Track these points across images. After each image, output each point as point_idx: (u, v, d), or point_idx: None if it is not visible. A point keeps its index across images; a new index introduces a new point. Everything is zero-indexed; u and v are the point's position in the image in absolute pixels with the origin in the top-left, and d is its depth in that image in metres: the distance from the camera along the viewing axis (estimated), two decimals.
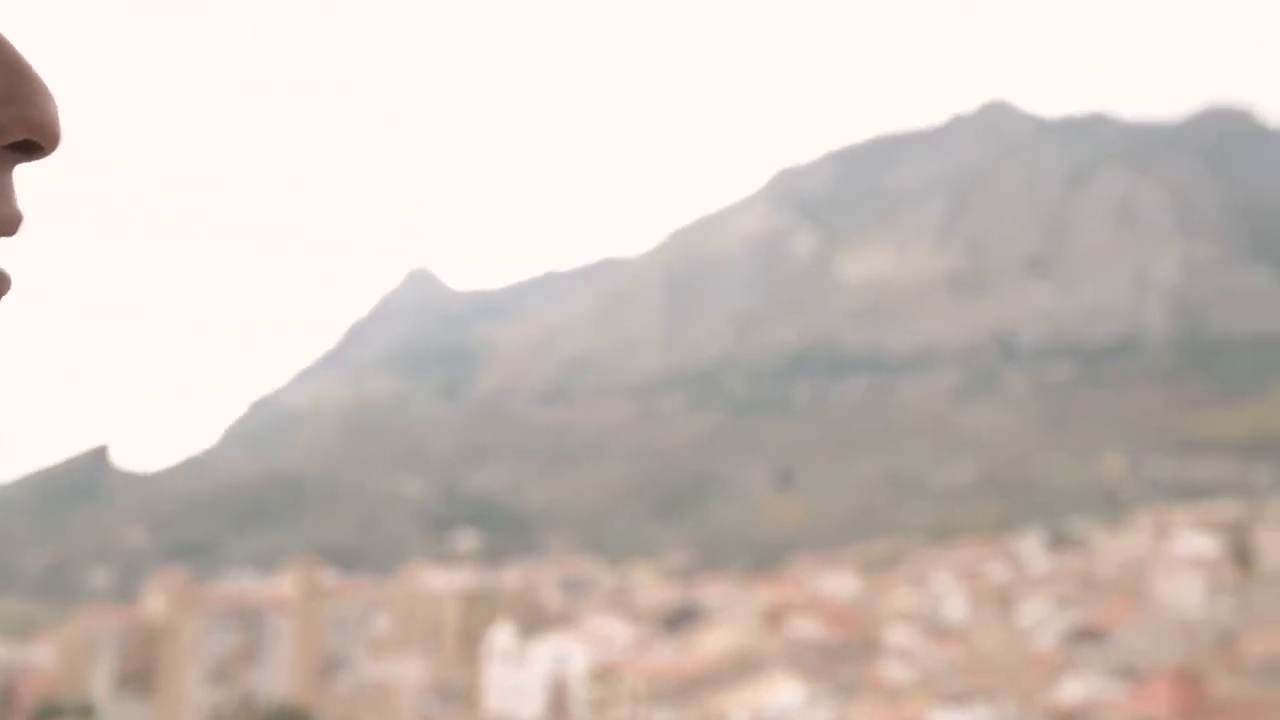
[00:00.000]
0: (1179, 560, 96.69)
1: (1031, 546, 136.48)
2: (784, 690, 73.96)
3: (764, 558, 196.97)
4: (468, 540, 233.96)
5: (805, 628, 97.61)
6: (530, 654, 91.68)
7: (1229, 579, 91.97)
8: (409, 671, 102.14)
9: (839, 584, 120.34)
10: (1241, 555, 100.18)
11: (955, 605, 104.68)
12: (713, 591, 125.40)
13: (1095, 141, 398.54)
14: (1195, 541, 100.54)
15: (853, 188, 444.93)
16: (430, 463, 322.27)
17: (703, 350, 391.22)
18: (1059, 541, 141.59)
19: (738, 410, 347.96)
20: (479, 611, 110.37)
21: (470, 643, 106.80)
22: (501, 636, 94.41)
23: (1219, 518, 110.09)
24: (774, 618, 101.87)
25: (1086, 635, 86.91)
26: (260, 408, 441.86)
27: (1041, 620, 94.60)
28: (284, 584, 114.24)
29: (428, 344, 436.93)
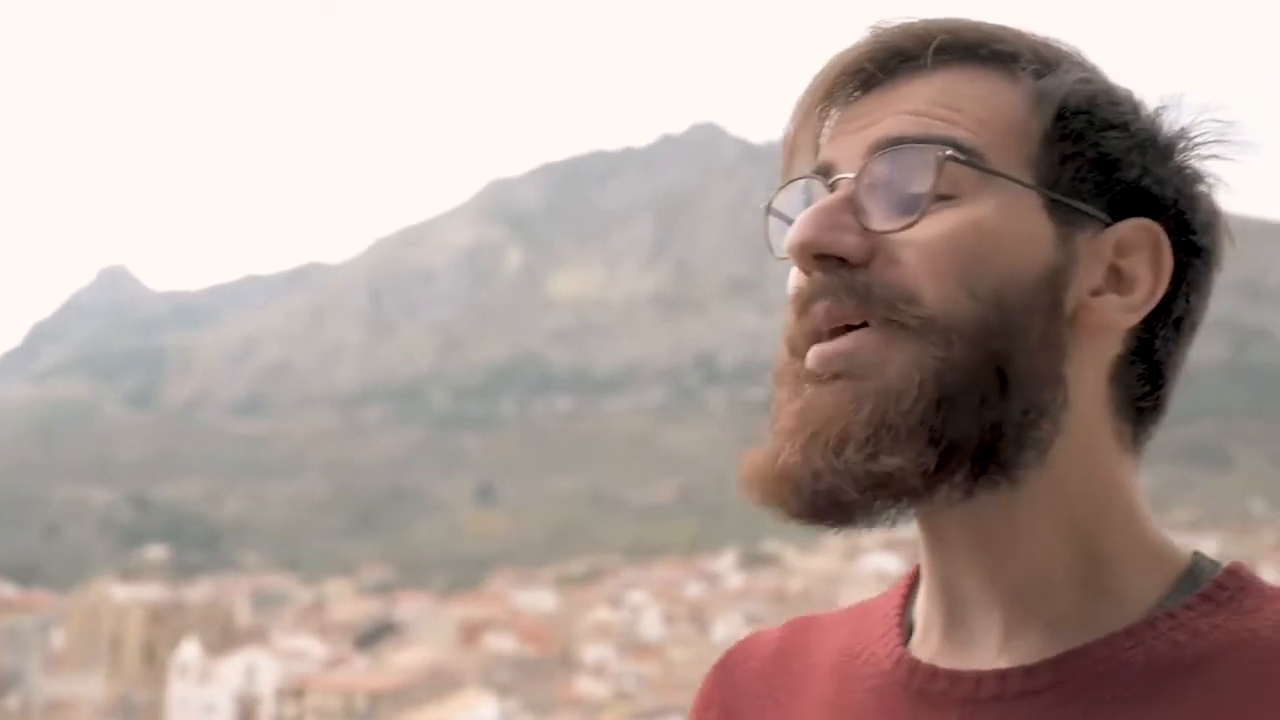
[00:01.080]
0: (865, 578, 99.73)
1: (727, 564, 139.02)
2: (480, 707, 73.22)
3: (464, 574, 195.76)
4: (156, 553, 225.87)
5: (503, 644, 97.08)
6: (218, 671, 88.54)
7: None
8: (89, 689, 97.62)
9: (538, 600, 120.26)
10: None
11: (652, 622, 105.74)
12: (410, 607, 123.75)
13: None
14: (881, 560, 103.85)
15: (563, 203, 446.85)
16: (119, 472, 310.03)
17: (407, 363, 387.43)
18: (753, 560, 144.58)
19: (441, 424, 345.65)
20: (165, 627, 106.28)
21: (155, 659, 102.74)
22: (188, 653, 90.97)
23: (904, 537, 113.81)
24: (471, 634, 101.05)
25: None
26: None
27: (735, 637, 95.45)
28: None
29: (119, 346, 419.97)
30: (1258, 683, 0.87)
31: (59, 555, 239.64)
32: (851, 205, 0.92)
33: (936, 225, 0.90)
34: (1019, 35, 0.97)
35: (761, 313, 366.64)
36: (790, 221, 0.96)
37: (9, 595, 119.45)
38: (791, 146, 1.01)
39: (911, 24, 0.97)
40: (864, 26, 0.98)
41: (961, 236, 0.89)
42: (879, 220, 0.91)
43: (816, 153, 0.98)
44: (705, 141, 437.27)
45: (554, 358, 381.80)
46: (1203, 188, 0.97)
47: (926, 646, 1.00)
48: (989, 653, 0.95)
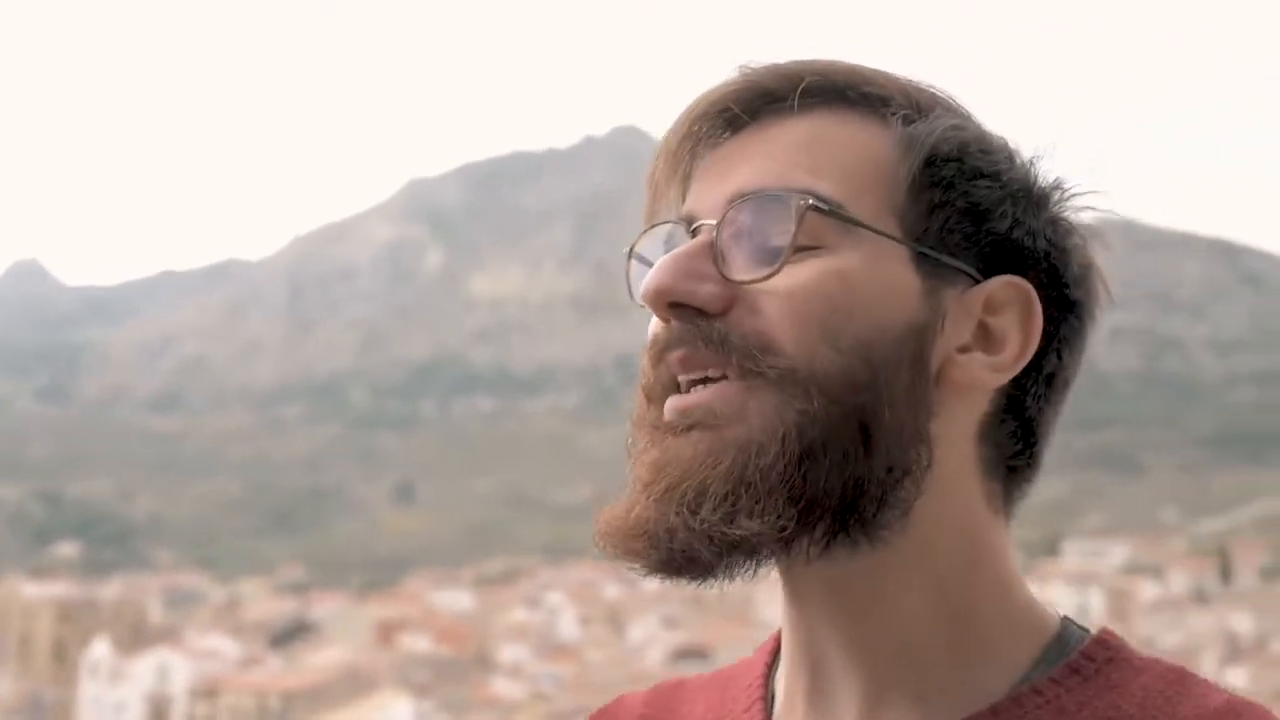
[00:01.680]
0: (778, 580, 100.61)
1: None
2: (395, 707, 73.20)
3: (381, 573, 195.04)
4: (67, 550, 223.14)
5: (419, 644, 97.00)
6: (130, 670, 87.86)
7: None
8: None
9: (455, 600, 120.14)
10: None
11: (569, 623, 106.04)
12: (325, 607, 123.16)
13: None
14: None
15: (484, 203, 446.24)
16: (29, 468, 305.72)
17: (326, 360, 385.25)
18: None
19: (360, 423, 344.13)
20: (76, 625, 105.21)
21: (66, 658, 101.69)
22: (99, 652, 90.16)
23: None
24: (387, 634, 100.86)
25: (693, 653, 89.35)
26: None
27: (651, 638, 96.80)
28: None
29: (31, 341, 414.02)
30: None
31: None
32: (712, 253, 0.89)
33: (798, 275, 0.87)
34: (891, 78, 0.94)
35: None
36: (651, 266, 0.93)
37: None
38: (655, 188, 0.98)
39: (781, 64, 0.94)
40: (733, 66, 0.94)
41: (823, 287, 0.87)
42: (739, 270, 0.88)
43: (684, 195, 0.96)
44: (627, 144, 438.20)
45: (474, 357, 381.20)
46: (1077, 240, 0.96)
47: (792, 713, 0.96)
48: None
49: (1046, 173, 0.94)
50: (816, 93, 0.92)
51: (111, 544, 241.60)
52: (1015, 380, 0.93)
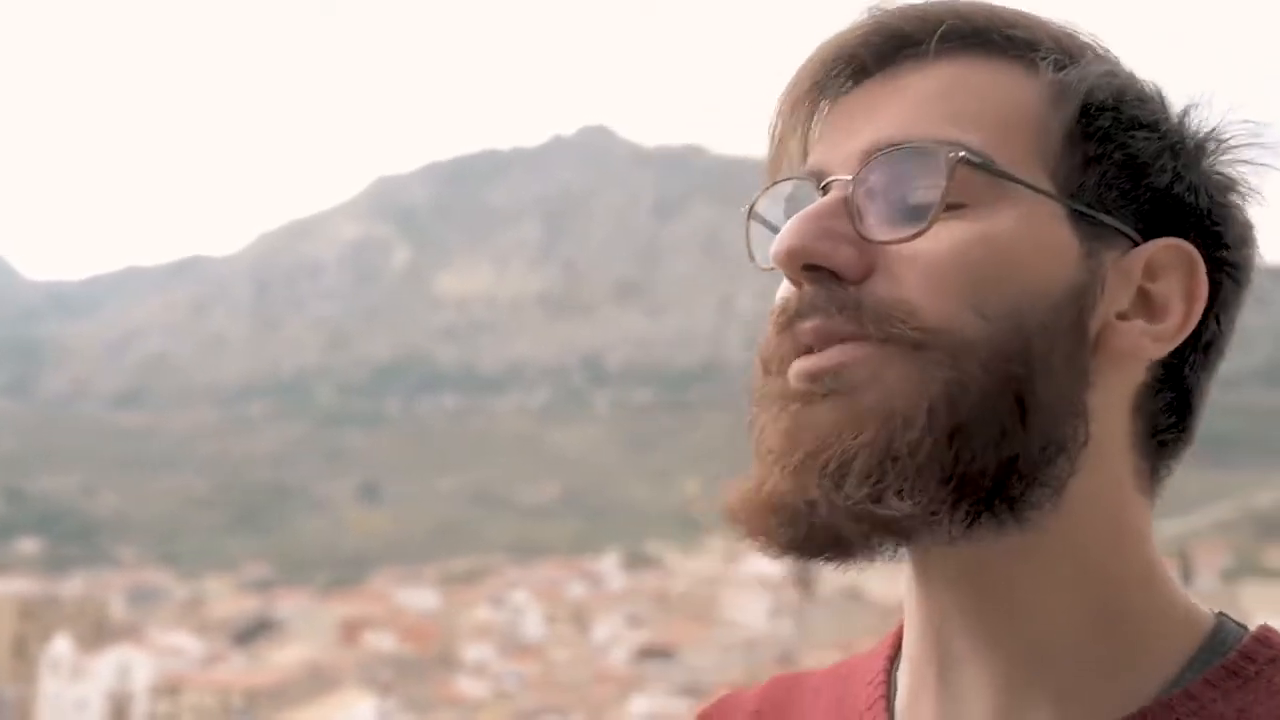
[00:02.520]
0: (746, 582, 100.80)
1: (609, 566, 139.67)
2: (358, 705, 73.12)
3: (346, 571, 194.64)
4: (29, 546, 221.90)
5: (383, 642, 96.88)
6: (91, 667, 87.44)
7: (791, 601, 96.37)
8: None
9: (419, 599, 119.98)
10: (803, 579, 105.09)
11: (533, 622, 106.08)
12: (289, 604, 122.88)
13: (688, 172, 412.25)
14: (762, 565, 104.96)
15: (452, 202, 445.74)
16: None
17: (291, 358, 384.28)
18: (636, 562, 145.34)
19: (325, 421, 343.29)
20: (37, 621, 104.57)
21: (26, 654, 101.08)
22: (60, 648, 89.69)
23: None
24: (351, 632, 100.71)
25: (657, 653, 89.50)
26: None
27: (615, 638, 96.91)
28: None
29: None
30: None
31: None
32: (848, 211, 0.81)
33: (943, 238, 0.79)
34: (1038, 21, 0.86)
35: (649, 315, 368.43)
36: (775, 229, 0.85)
37: None
38: (777, 144, 0.89)
39: (915, 6, 0.86)
40: (862, 7, 0.86)
41: (971, 252, 0.79)
42: (879, 230, 0.80)
43: (805, 151, 0.88)
44: (595, 144, 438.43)
45: (440, 356, 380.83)
46: (1235, 197, 0.87)
47: (919, 712, 0.88)
48: None
49: (1201, 123, 0.86)
50: (956, 37, 0.84)
51: (74, 540, 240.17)
52: (1174, 349, 0.86)
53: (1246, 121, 0.85)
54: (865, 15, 0.86)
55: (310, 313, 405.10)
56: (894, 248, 0.79)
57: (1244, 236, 0.87)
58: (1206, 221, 0.85)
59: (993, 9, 0.86)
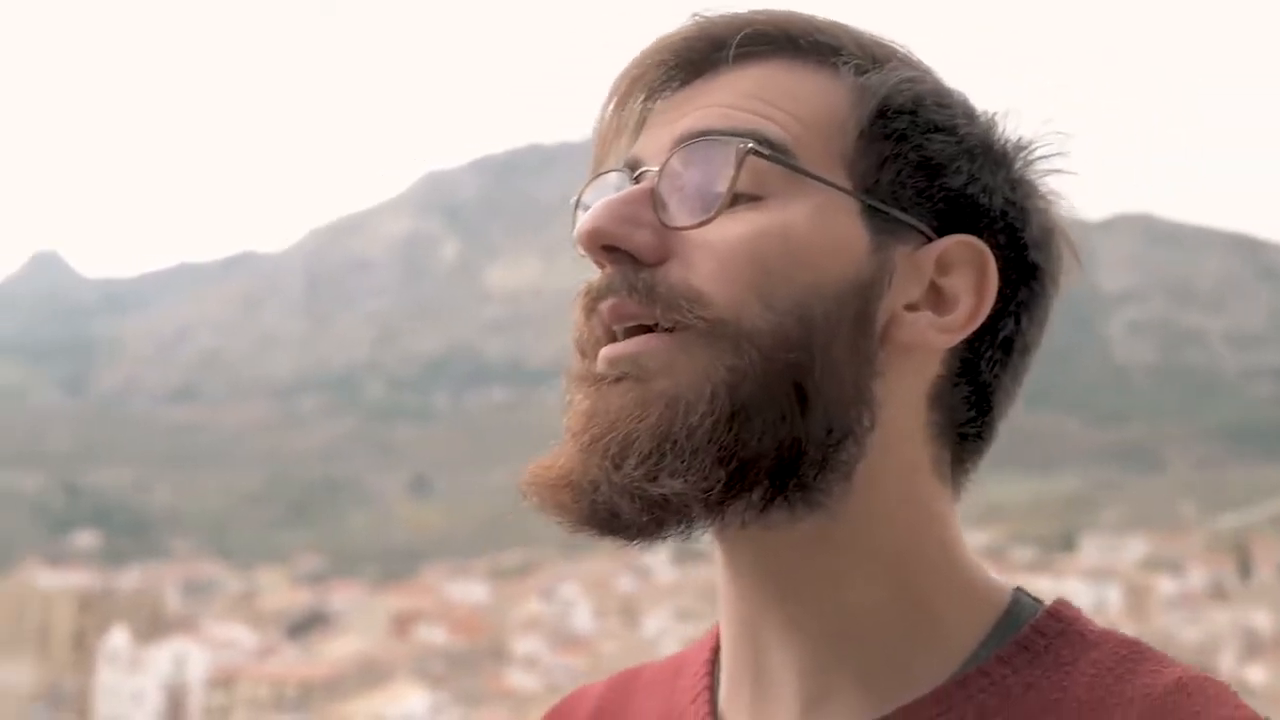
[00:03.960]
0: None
1: (658, 560, 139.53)
2: (410, 698, 73.40)
3: (397, 565, 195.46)
4: (86, 540, 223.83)
5: (434, 635, 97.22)
6: (147, 659, 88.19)
7: None
8: (15, 676, 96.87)
9: (470, 592, 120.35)
10: None
11: (583, 616, 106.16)
12: (342, 598, 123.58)
13: None
14: None
15: (500, 196, 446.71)
16: (48, 458, 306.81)
17: (342, 353, 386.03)
18: (685, 556, 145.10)
19: (376, 415, 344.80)
20: (94, 614, 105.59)
21: (84, 647, 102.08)
22: (117, 640, 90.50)
23: None
24: (403, 625, 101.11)
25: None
26: None
27: (665, 631, 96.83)
28: None
29: (50, 332, 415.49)
30: None
31: None
32: (652, 199, 0.87)
33: (735, 227, 0.84)
34: (846, 29, 0.92)
35: None
36: None
37: None
38: (603, 137, 0.98)
39: (735, 13, 0.92)
40: (689, 12, 0.93)
41: (761, 242, 0.84)
42: (678, 216, 0.86)
43: (632, 142, 0.95)
44: None
45: (489, 349, 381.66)
46: (1040, 202, 0.92)
47: (738, 701, 0.93)
48: (792, 713, 0.89)
49: (1009, 132, 0.92)
50: (766, 41, 0.90)
51: (129, 534, 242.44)
52: (970, 344, 0.90)
53: (1057, 133, 0.89)
54: (689, 20, 0.92)
55: (360, 308, 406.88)
56: (690, 235, 0.85)
57: (1045, 240, 0.91)
58: (1002, 223, 0.89)
59: (807, 18, 0.91)
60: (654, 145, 0.90)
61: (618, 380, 0.85)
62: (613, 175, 0.95)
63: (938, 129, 0.89)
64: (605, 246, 0.87)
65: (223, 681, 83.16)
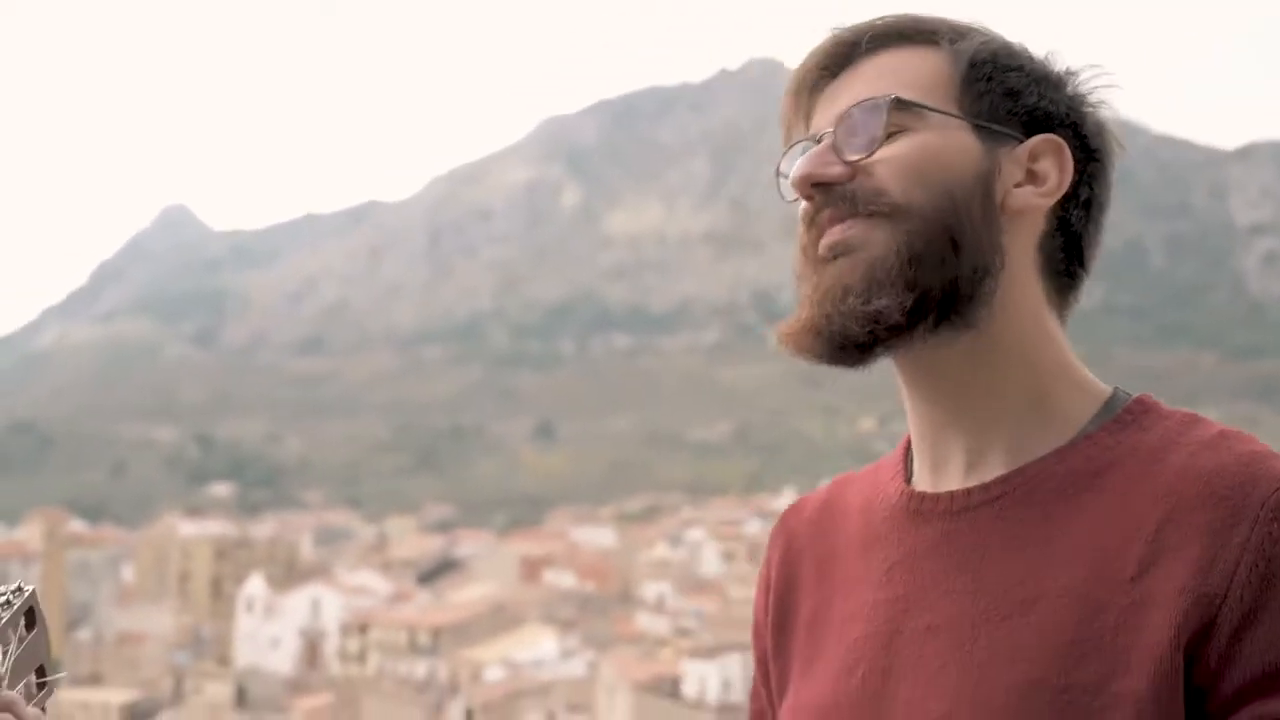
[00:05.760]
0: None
1: (785, 502, 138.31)
2: (540, 641, 74.04)
3: (524, 511, 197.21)
4: (221, 490, 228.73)
5: (562, 580, 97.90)
6: (283, 606, 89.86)
7: None
8: (158, 623, 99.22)
9: (596, 537, 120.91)
10: None
11: (710, 559, 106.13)
12: (471, 544, 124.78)
13: None
14: None
15: (619, 141, 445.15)
16: (183, 411, 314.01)
17: (465, 302, 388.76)
18: None
19: (500, 363, 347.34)
20: (231, 562, 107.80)
21: (222, 594, 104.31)
22: (254, 587, 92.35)
23: None
24: (531, 570, 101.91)
25: None
26: (1, 348, 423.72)
27: None
28: (27, 533, 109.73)
29: (181, 286, 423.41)
30: (1137, 481, 1.24)
31: (126, 492, 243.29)
32: (834, 147, 1.32)
33: (894, 149, 1.29)
34: (937, 18, 1.39)
35: None
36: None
37: (80, 530, 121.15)
38: (788, 124, 1.43)
39: (858, 23, 1.39)
40: (826, 30, 1.40)
41: (913, 154, 1.29)
42: (852, 153, 1.30)
43: (806, 126, 1.39)
44: (762, 77, 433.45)
45: (611, 295, 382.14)
46: (1088, 108, 1.37)
47: (920, 479, 1.38)
48: (959, 477, 1.34)
49: (1060, 64, 1.38)
50: (886, 36, 1.36)
51: (262, 484, 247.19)
52: (1062, 206, 1.34)
53: (1094, 65, 1.38)
54: (829, 33, 1.40)
55: (482, 256, 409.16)
56: (865, 161, 1.30)
57: (1098, 131, 1.37)
58: (1068, 123, 1.35)
59: (910, 15, 1.40)
60: (825, 119, 1.36)
61: (835, 258, 1.30)
62: (799, 145, 1.38)
63: (1011, 69, 1.35)
64: (814, 184, 1.32)
65: (357, 627, 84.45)
